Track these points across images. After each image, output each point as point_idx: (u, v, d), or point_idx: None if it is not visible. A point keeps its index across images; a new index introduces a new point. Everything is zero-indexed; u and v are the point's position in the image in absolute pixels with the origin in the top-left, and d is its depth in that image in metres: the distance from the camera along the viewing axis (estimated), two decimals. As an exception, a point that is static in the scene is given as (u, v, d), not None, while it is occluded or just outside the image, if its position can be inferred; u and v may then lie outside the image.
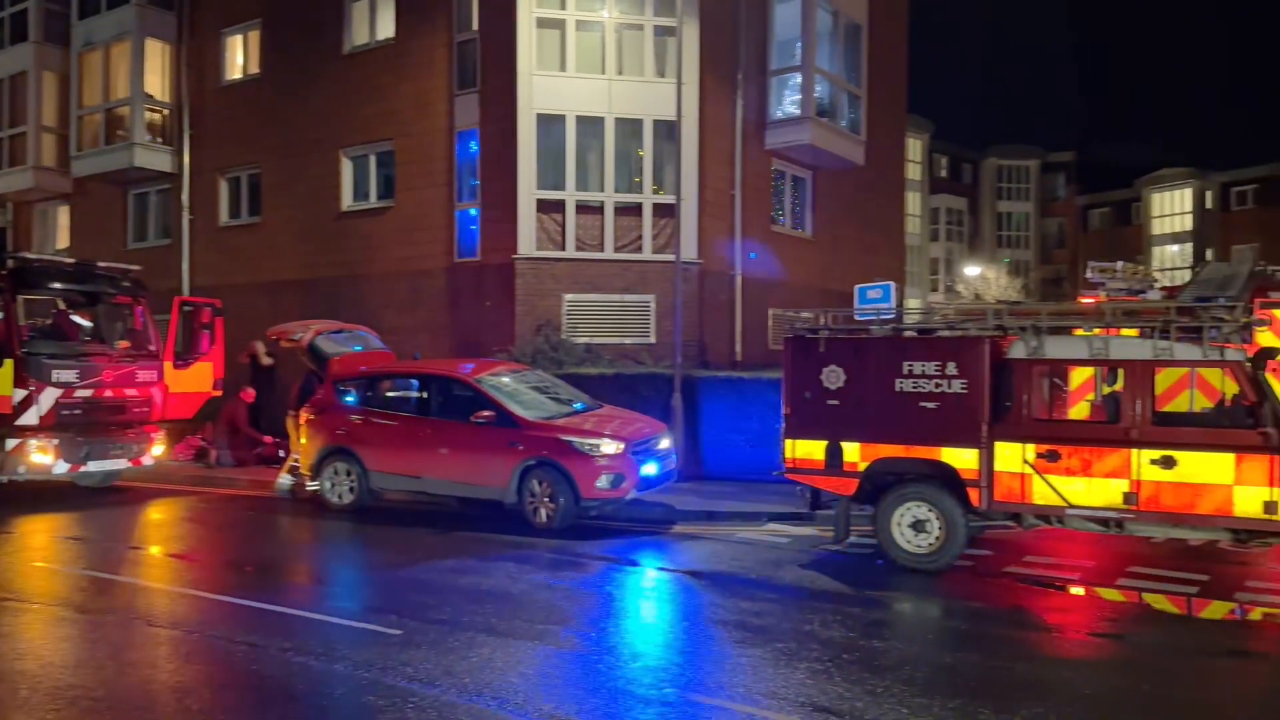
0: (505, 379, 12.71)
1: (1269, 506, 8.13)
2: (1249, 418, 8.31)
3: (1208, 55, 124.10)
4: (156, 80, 23.23)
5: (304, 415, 13.39)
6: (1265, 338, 10.99)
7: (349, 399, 13.16)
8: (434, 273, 19.03)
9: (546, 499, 11.46)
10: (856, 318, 10.94)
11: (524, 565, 9.79)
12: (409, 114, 19.36)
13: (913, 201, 48.15)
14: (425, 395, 12.71)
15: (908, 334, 10.00)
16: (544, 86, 17.75)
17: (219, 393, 15.90)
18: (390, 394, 13.20)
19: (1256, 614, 8.13)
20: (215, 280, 21.95)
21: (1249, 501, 8.19)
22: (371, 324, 16.27)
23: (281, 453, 15.25)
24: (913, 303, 43.98)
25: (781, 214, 21.14)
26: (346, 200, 20.56)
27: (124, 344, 14.74)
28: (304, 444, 13.35)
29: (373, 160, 20.21)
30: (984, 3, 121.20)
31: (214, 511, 13.45)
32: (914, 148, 50.21)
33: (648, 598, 9.06)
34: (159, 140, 23.09)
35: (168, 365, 14.82)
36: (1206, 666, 6.90)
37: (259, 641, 7.27)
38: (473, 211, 18.68)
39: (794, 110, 19.92)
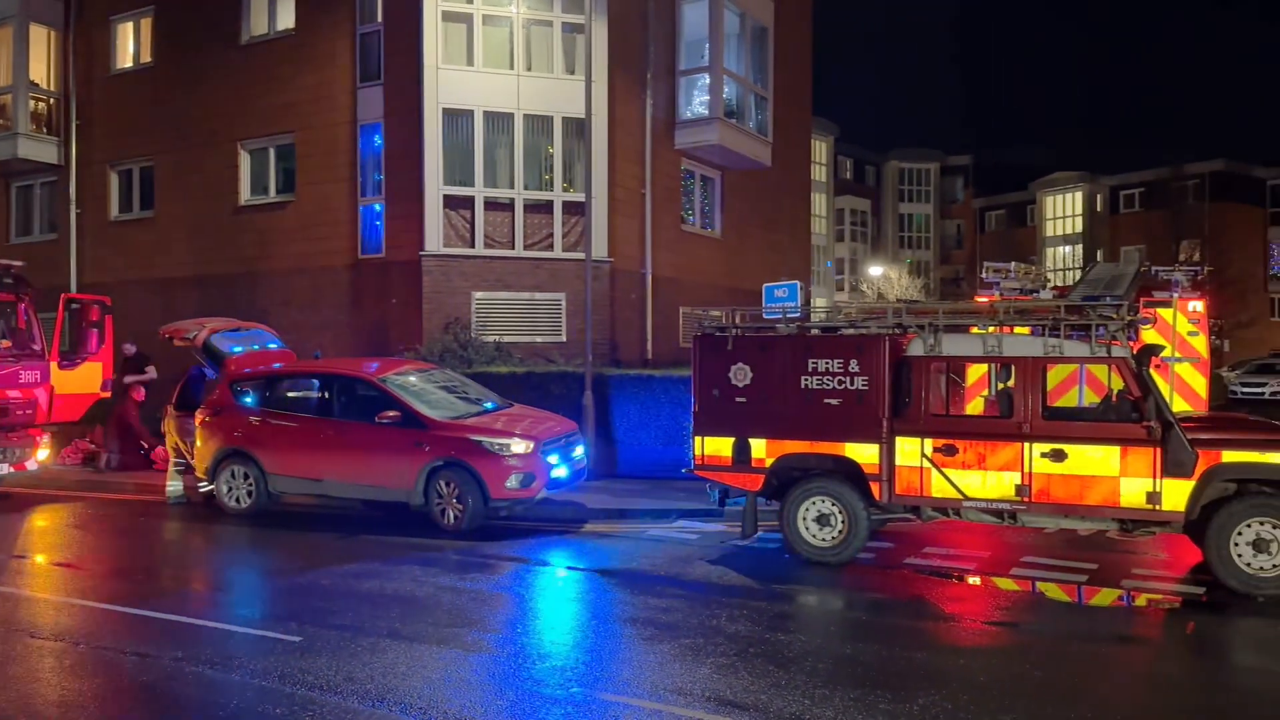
0: (411, 378, 12.49)
1: (1152, 497, 8.52)
2: (1134, 412, 8.68)
3: (1099, 64, 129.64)
4: (42, 68, 22.22)
5: (199, 416, 12.94)
6: (1150, 335, 11.53)
7: (246, 400, 12.76)
8: (337, 269, 18.61)
9: (454, 500, 11.30)
10: (764, 316, 11.07)
11: (430, 568, 9.64)
12: (310, 106, 18.89)
13: (818, 202, 49.10)
14: (327, 395, 12.40)
15: (813, 332, 10.17)
16: (450, 81, 17.51)
17: (108, 394, 15.24)
18: (290, 394, 12.84)
19: (1141, 600, 8.50)
20: (105, 277, 21.09)
21: (1134, 492, 8.57)
22: (271, 322, 15.82)
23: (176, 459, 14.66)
24: (819, 302, 44.84)
25: (691, 213, 21.29)
26: (245, 194, 19.95)
27: (5, 343, 14.03)
28: (199, 446, 12.90)
29: (272, 153, 19.65)
30: (884, 11, 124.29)
31: (104, 517, 12.88)
32: (819, 150, 51.24)
33: (557, 598, 9.01)
34: (44, 130, 22.09)
35: (53, 366, 14.14)
36: (1095, 652, 7.18)
37: (150, 652, 6.99)
38: (377, 207, 18.33)
39: (703, 111, 20.08)
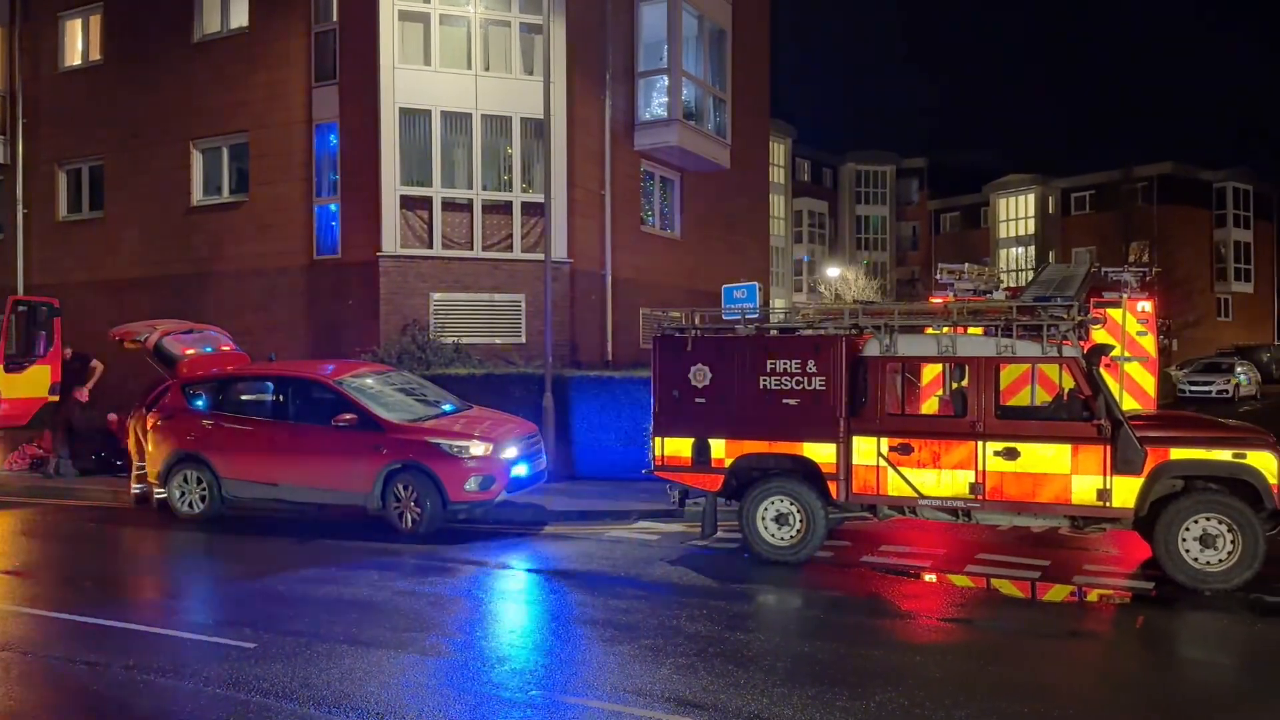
0: (368, 380, 12.38)
1: (1102, 494, 8.68)
2: (1084, 411, 8.84)
3: (1050, 69, 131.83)
4: (-15, 64, 21.71)
5: (150, 420, 12.72)
6: (1100, 335, 11.73)
7: (199, 403, 12.57)
8: (292, 270, 18.38)
9: (412, 503, 11.21)
10: (723, 317, 11.11)
11: (388, 572, 9.55)
12: (264, 105, 18.64)
13: (777, 204, 49.42)
14: (282, 398, 12.25)
15: (771, 333, 10.24)
16: (407, 80, 17.38)
17: (56, 398, 14.94)
18: (245, 398, 12.66)
19: (1093, 596, 8.66)
20: (53, 278, 20.64)
21: (1085, 489, 8.72)
22: (224, 324, 15.59)
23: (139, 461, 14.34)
24: (777, 303, 45.12)
25: (651, 214, 21.33)
26: (197, 194, 19.65)
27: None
28: (150, 451, 12.68)
29: (225, 153, 19.38)
30: (841, 16, 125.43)
31: (52, 523, 12.62)
32: (778, 152, 51.56)
33: (516, 600, 8.98)
34: (-11, 129, 21.59)
35: (0, 369, 13.84)
36: (1049, 647, 7.31)
37: (100, 660, 6.86)
38: (333, 207, 18.14)
39: (661, 112, 20.13)
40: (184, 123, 19.54)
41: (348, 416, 11.47)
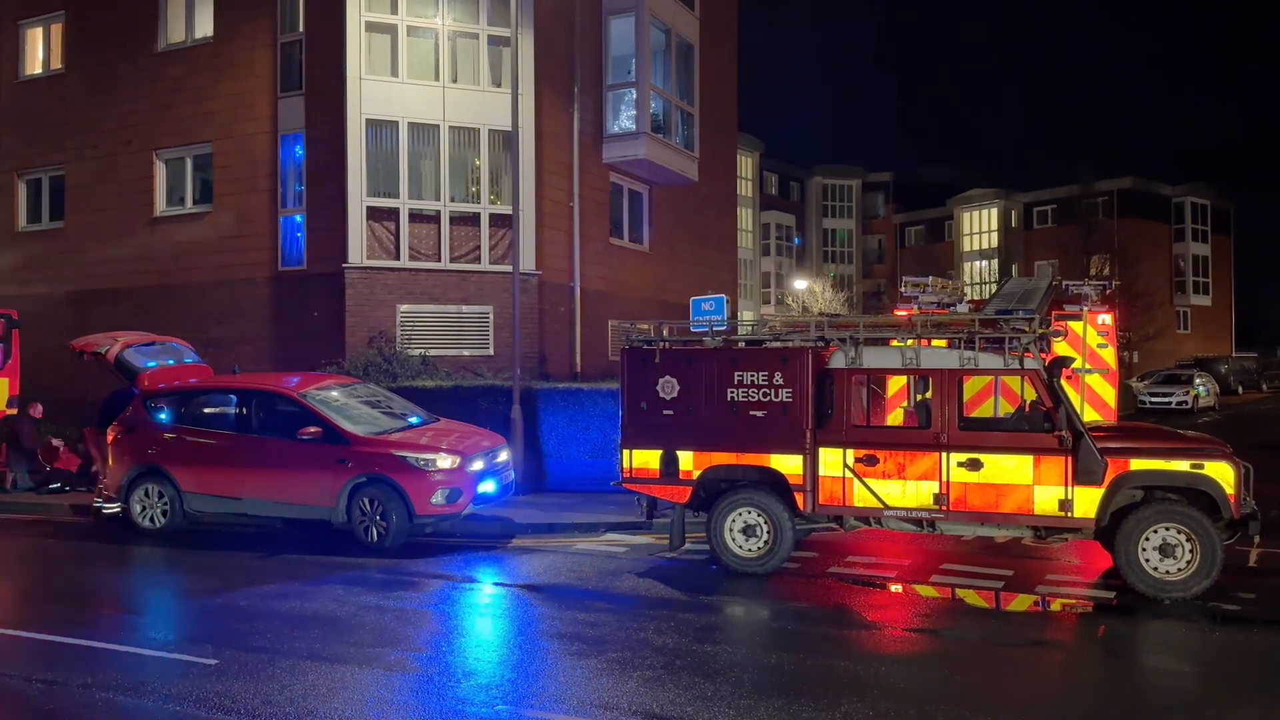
0: (334, 393, 12.27)
1: (1064, 504, 8.79)
2: (1046, 422, 8.96)
3: (1012, 86, 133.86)
4: (-58, 72, 21.35)
5: (110, 434, 12.53)
6: (1061, 348, 11.89)
7: (161, 416, 12.39)
8: (256, 282, 18.21)
9: (378, 517, 11.11)
10: (691, 329, 11.15)
11: (353, 587, 9.46)
12: (229, 115, 18.51)
13: (744, 217, 49.73)
14: (246, 411, 12.11)
15: (738, 346, 10.28)
16: (375, 92, 17.32)
17: (14, 410, 14.67)
18: (207, 411, 12.50)
19: (1056, 605, 8.75)
20: (12, 289, 20.29)
21: (1047, 500, 8.83)
22: (188, 336, 15.38)
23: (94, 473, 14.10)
24: (745, 315, 45.31)
25: (620, 227, 21.36)
26: (160, 205, 19.45)
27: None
28: (110, 465, 12.48)
29: (189, 163, 19.21)
30: (808, 32, 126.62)
31: (9, 539, 12.37)
32: (745, 165, 51.92)
33: (483, 614, 8.92)
34: (-55, 137, 21.22)
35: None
36: (1012, 657, 7.38)
37: (58, 678, 6.73)
38: (299, 218, 18.02)
39: (630, 125, 20.20)
40: (147, 133, 19.34)
41: (312, 429, 11.37)
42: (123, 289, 19.28)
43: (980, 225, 60.74)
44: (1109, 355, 12.81)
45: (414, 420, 12.38)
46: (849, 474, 9.38)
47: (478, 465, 11.51)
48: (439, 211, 17.74)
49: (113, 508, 12.48)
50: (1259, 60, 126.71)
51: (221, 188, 18.67)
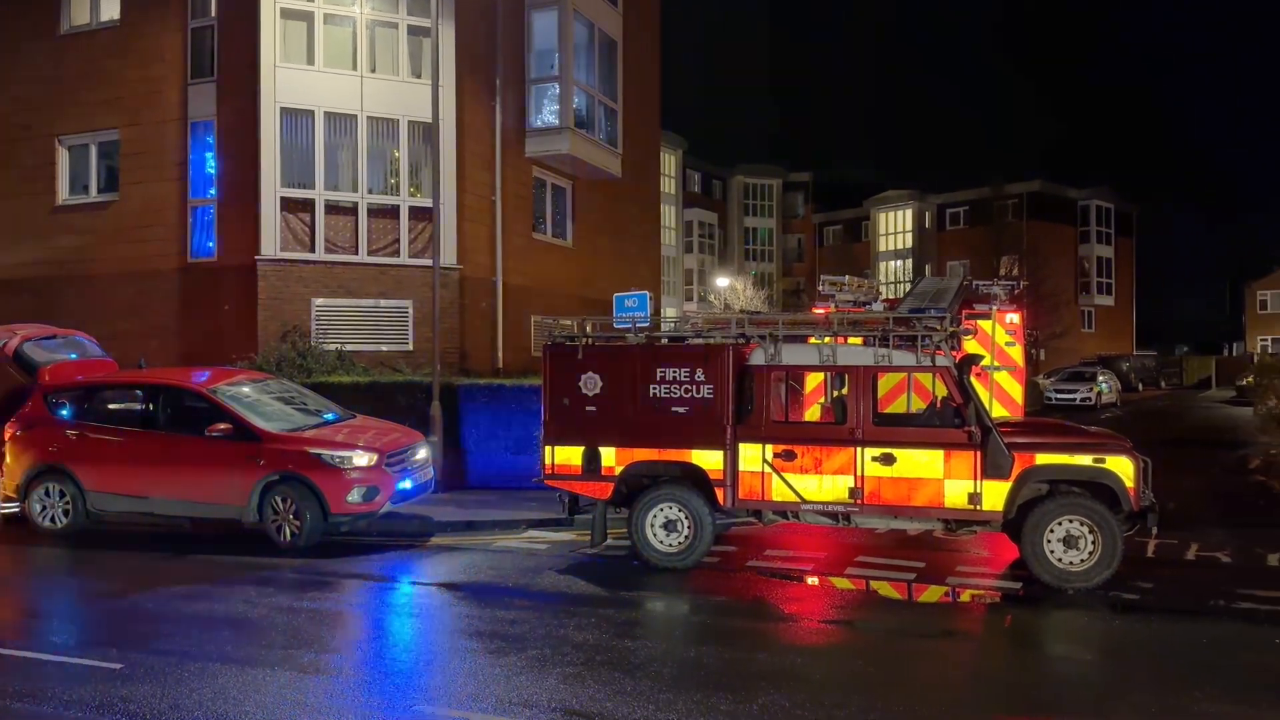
0: (245, 389, 11.95)
1: (973, 498, 9.05)
2: (956, 418, 9.21)
3: (929, 88, 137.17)
4: None
5: (8, 431, 12.00)
6: (971, 346, 12.21)
7: (63, 412, 11.92)
8: (165, 274, 17.65)
9: (291, 516, 10.86)
10: (614, 326, 11.16)
11: (265, 588, 9.24)
12: (137, 101, 17.88)
13: (668, 214, 49.88)
14: (153, 407, 11.73)
15: (661, 342, 10.32)
16: (289, 80, 16.91)
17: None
18: (112, 407, 12.08)
19: (966, 596, 9.02)
20: (-101, 279, 19.28)
21: (957, 494, 9.08)
22: (93, 330, 14.81)
23: None
24: (668, 312, 45.51)
25: (543, 222, 21.25)
26: (63, 193, 18.70)
27: None
28: (8, 463, 11.96)
29: (94, 150, 18.50)
30: (728, 33, 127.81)
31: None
32: (669, 162, 52.10)
33: (400, 614, 8.79)
34: None
35: None
36: (924, 647, 7.58)
37: (-54, 689, 6.43)
38: (210, 209, 17.49)
39: (553, 120, 20.10)
40: (49, 118, 18.58)
41: (222, 426, 11.06)
42: (22, 280, 18.49)
43: (895, 226, 62.07)
44: (1017, 353, 13.20)
45: (329, 417, 12.14)
46: (768, 469, 9.50)
47: (396, 463, 11.34)
48: (356, 203, 17.41)
49: (10, 508, 12.00)
50: (1172, 71, 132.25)
51: (128, 176, 18.02)
